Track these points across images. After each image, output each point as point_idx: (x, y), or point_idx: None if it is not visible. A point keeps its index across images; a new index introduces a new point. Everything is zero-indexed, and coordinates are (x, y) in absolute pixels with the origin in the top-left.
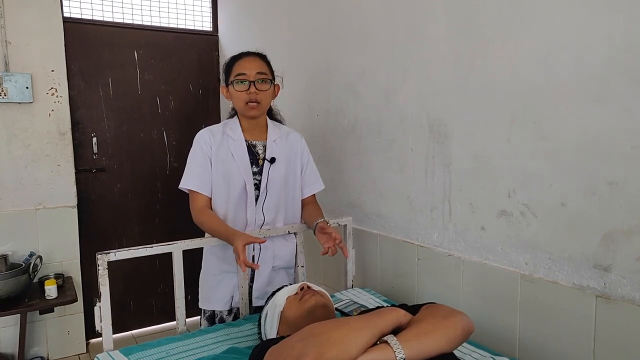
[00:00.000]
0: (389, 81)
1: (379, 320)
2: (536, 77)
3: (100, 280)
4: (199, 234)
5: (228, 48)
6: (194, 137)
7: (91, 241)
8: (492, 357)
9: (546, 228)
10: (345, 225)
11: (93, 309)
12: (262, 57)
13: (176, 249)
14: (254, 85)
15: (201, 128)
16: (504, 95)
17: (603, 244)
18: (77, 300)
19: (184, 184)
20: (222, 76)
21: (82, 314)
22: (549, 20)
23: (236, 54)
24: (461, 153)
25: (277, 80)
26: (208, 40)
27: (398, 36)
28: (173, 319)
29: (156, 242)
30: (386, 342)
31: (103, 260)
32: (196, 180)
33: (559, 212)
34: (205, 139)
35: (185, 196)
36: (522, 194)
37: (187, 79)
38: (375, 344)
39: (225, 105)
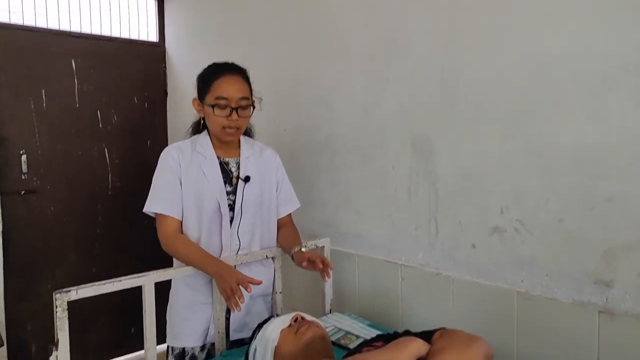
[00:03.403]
0: (367, 95)
1: (401, 356)
2: (529, 90)
3: (57, 324)
4: (151, 257)
5: (177, 60)
6: (139, 153)
7: (19, 273)
8: None
9: (543, 244)
10: (322, 247)
11: (19, 354)
12: (244, 76)
13: (148, 281)
14: (236, 112)
15: (147, 144)
16: (494, 109)
17: (604, 259)
18: (3, 345)
19: (151, 207)
20: (195, 88)
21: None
22: (541, 32)
23: (214, 67)
24: (448, 170)
25: (255, 99)
26: (154, 50)
27: (376, 49)
28: (114, 355)
29: (96, 271)
30: None
31: (62, 300)
32: (165, 202)
33: (556, 228)
34: (173, 157)
35: (131, 218)
36: (515, 210)
37: (131, 92)
38: None
39: (174, 119)
